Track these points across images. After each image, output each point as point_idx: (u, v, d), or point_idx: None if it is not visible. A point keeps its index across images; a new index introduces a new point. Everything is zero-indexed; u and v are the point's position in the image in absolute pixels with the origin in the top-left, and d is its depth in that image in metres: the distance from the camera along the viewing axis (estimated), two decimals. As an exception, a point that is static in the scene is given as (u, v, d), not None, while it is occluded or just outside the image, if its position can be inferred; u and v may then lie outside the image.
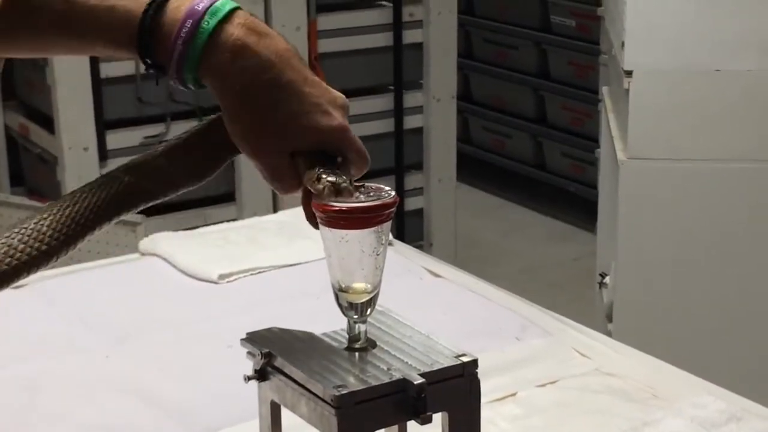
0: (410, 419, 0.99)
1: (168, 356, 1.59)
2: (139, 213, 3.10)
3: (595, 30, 4.33)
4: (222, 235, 2.01)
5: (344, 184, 1.00)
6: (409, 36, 3.71)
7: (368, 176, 1.11)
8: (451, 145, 3.92)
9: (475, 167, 5.10)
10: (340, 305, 1.04)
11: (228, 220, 2.70)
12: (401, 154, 3.80)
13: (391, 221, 1.03)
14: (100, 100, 3.26)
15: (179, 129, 3.40)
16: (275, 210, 3.42)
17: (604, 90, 3.05)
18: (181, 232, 2.04)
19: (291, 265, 1.89)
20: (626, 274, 2.52)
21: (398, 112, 3.75)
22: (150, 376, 1.53)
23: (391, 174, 3.76)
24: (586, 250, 4.32)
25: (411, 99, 3.78)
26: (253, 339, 1.06)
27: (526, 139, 4.98)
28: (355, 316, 1.04)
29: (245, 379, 1.06)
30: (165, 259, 1.90)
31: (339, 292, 1.04)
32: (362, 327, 1.04)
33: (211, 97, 3.38)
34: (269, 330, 1.08)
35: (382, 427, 1.00)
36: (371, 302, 1.04)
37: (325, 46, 3.57)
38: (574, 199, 4.77)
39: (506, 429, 1.37)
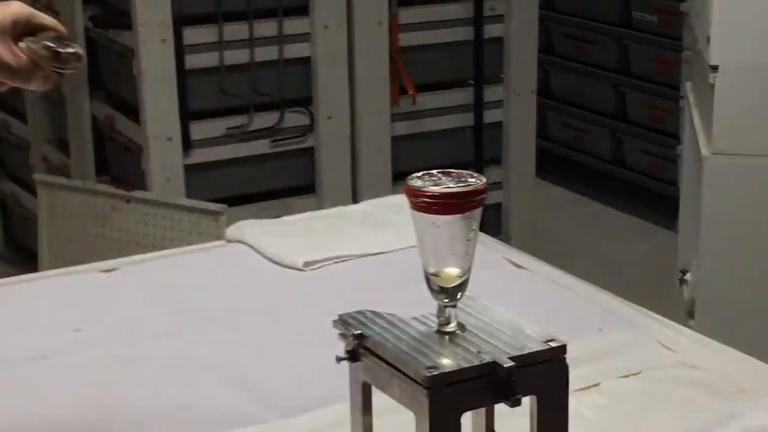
0: (500, 402, 1.01)
1: (255, 340, 1.62)
2: (221, 203, 3.16)
3: (677, 26, 4.29)
4: (307, 223, 2.04)
5: (67, 51, 1.14)
6: (491, 30, 3.72)
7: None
8: (530, 140, 3.92)
9: (554, 163, 5.08)
10: (431, 289, 1.06)
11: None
12: (481, 148, 3.80)
13: (481, 207, 1.04)
14: (185, 91, 3.32)
15: (261, 120, 3.45)
16: (355, 201, 3.46)
17: (687, 86, 3.03)
18: (266, 220, 2.07)
19: (375, 254, 1.91)
20: (709, 271, 2.50)
21: (478, 106, 3.76)
22: (238, 360, 1.56)
23: (470, 168, 3.76)
24: (664, 248, 4.29)
25: (491, 93, 3.79)
26: (345, 320, 1.08)
27: (605, 135, 4.95)
28: (446, 300, 1.06)
29: (337, 360, 1.08)
30: (251, 246, 1.93)
31: (430, 276, 1.06)
32: (452, 311, 1.06)
33: (294, 89, 3.43)
34: (361, 312, 1.10)
35: (472, 409, 1.02)
36: (462, 286, 1.06)
37: (407, 39, 3.59)
38: (652, 196, 4.73)
39: (590, 418, 1.38)
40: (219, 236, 3.09)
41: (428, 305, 1.13)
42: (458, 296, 1.06)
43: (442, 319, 1.06)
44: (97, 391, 1.49)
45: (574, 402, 1.40)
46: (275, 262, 1.88)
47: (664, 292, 3.61)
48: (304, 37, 3.44)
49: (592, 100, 5.01)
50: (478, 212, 1.04)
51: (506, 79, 3.79)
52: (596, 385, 1.47)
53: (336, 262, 1.87)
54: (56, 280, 1.86)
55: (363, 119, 3.56)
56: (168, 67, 3.27)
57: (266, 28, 3.39)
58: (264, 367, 1.54)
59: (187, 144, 3.35)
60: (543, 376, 1.02)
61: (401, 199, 2.12)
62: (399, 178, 3.63)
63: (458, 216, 1.03)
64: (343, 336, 1.08)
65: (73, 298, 1.77)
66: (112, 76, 3.60)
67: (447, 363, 0.99)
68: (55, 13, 3.71)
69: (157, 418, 1.42)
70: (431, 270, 1.06)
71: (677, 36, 4.31)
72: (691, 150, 2.86)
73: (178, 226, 3.27)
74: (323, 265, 1.86)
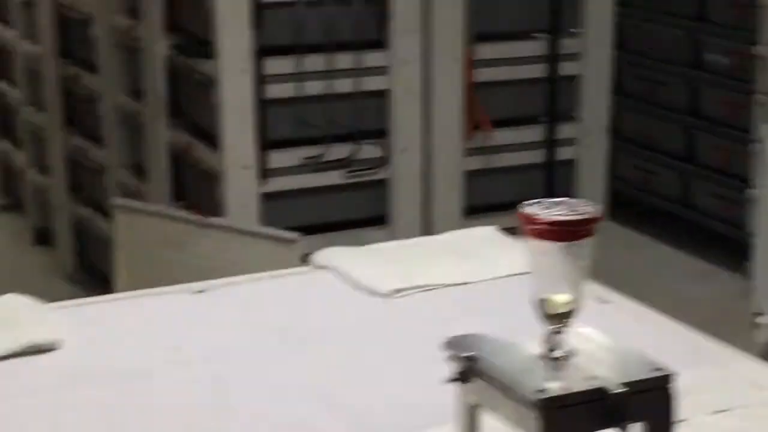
0: (609, 427, 1.03)
1: (346, 364, 1.65)
2: (296, 231, 3.20)
3: (749, 68, 4.29)
4: (393, 252, 2.07)
5: None
6: (564, 68, 3.74)
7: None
8: (600, 178, 3.93)
9: (623, 204, 5.07)
10: (541, 314, 1.08)
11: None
12: (552, 185, 3.82)
13: (593, 236, 1.07)
14: (264, 120, 3.37)
15: (337, 151, 3.50)
16: (426, 234, 3.49)
17: (765, 128, 3.03)
18: (353, 248, 2.10)
19: (460, 284, 1.93)
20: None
21: (550, 143, 3.78)
22: (330, 382, 1.59)
23: (540, 204, 3.78)
24: (730, 291, 4.27)
25: (563, 131, 3.81)
26: (454, 343, 1.11)
27: (674, 177, 4.94)
28: (556, 326, 1.08)
29: (447, 381, 1.11)
30: (338, 272, 1.97)
31: (541, 301, 1.08)
32: (561, 337, 1.08)
33: (370, 121, 3.46)
34: (470, 335, 1.12)
35: (581, 432, 1.04)
36: (571, 313, 1.08)
37: (482, 75, 3.62)
38: (721, 239, 4.71)
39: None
40: (294, 264, 3.12)
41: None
42: (567, 322, 1.08)
43: (551, 344, 1.08)
44: (198, 408, 1.52)
45: (665, 434, 1.42)
46: (363, 288, 1.91)
47: (733, 335, 3.60)
48: (381, 70, 3.49)
49: (662, 141, 5.00)
50: (590, 240, 1.06)
51: (579, 117, 3.81)
52: (685, 420, 1.48)
53: (424, 291, 1.90)
54: (150, 300, 1.91)
55: (436, 153, 3.60)
56: (247, 96, 3.33)
57: (344, 60, 3.45)
58: (359, 390, 1.57)
59: (264, 173, 3.40)
60: (652, 402, 1.04)
61: (484, 232, 2.17)
62: (470, 212, 3.66)
63: (571, 243, 1.05)
64: (453, 358, 1.10)
65: (167, 317, 1.82)
66: (191, 104, 3.67)
67: (557, 386, 1.02)
68: (135, 41, 3.79)
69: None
70: (542, 296, 1.08)
71: (749, 78, 4.31)
72: (767, 192, 2.86)
73: (254, 253, 3.32)
74: (411, 293, 1.89)
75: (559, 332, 1.08)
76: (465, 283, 1.94)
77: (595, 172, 3.91)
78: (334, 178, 3.51)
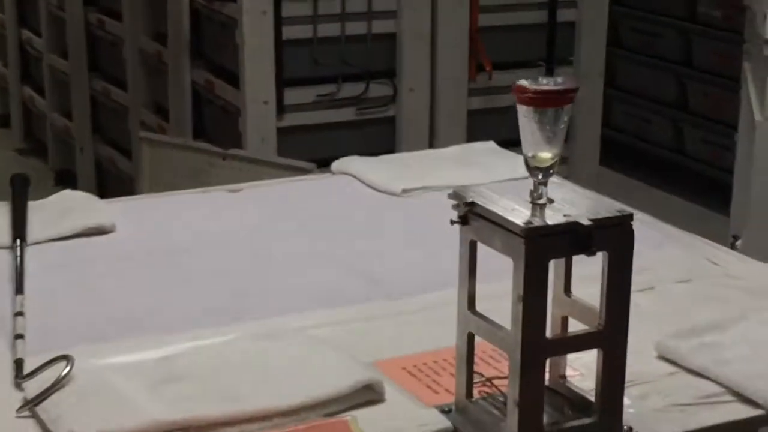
0: (580, 253, 1.29)
1: (367, 245, 1.92)
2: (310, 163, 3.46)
3: (740, 21, 4.53)
4: (402, 160, 2.33)
5: None
6: (563, 15, 3.99)
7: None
8: (595, 122, 4.18)
9: (616, 150, 5.33)
10: (528, 168, 1.34)
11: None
12: (549, 126, 4.07)
13: (572, 104, 1.33)
14: (281, 60, 3.62)
15: (349, 89, 3.75)
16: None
17: (746, 66, 3.28)
18: (366, 157, 2.37)
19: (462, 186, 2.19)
20: (761, 231, 2.75)
21: (548, 85, 4.03)
22: (353, 256, 1.86)
23: (538, 143, 4.03)
24: (719, 231, 4.53)
25: (561, 75, 4.05)
26: (457, 193, 1.37)
27: (667, 125, 5.20)
28: (540, 177, 1.34)
29: (451, 222, 1.36)
30: (354, 176, 2.23)
31: (528, 158, 1.34)
32: (544, 188, 1.34)
33: (380, 61, 3.73)
34: (469, 187, 1.38)
35: (557, 257, 1.30)
36: (552, 167, 1.34)
37: (486, 20, 3.87)
38: (710, 183, 4.97)
39: (642, 304, 1.63)
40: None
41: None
42: (550, 174, 1.34)
43: (535, 194, 1.34)
44: (232, 276, 1.79)
45: (632, 296, 1.69)
46: (376, 189, 2.17)
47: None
48: (391, 14, 3.74)
49: (656, 90, 5.26)
50: (569, 107, 1.32)
51: (576, 62, 4.06)
52: (652, 288, 1.75)
53: (428, 191, 2.16)
54: (192, 195, 2.18)
55: (442, 93, 3.85)
56: (267, 37, 3.58)
57: (356, 4, 3.69)
58: (375, 260, 1.84)
59: (281, 108, 3.65)
60: (614, 236, 1.29)
61: (484, 145, 2.42)
62: (472, 149, 3.90)
63: (554, 108, 1.31)
64: (456, 205, 1.36)
65: (208, 209, 2.09)
66: (212, 45, 3.92)
67: (539, 221, 1.28)
68: (161, -13, 4.04)
69: (282, 293, 1.72)
70: (529, 153, 1.34)
71: (739, 30, 4.55)
72: (746, 122, 3.11)
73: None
74: (418, 192, 2.15)
75: (543, 183, 1.34)
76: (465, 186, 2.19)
77: (591, 115, 4.15)
78: (346, 114, 3.77)
